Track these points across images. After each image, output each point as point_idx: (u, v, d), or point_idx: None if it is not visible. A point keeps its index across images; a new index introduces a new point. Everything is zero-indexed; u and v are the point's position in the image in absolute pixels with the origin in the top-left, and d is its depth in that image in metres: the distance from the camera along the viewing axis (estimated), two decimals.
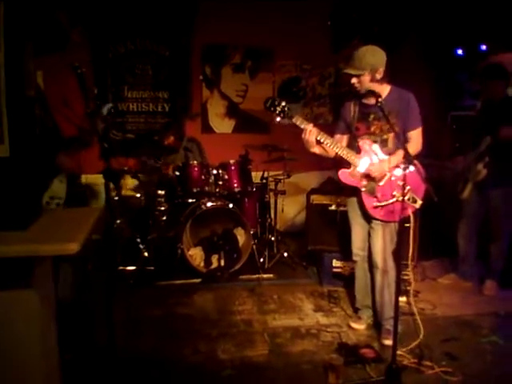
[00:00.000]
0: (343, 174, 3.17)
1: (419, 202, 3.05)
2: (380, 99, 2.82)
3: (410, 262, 3.01)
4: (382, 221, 3.14)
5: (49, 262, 2.05)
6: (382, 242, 3.16)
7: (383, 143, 3.13)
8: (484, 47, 5.50)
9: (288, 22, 5.74)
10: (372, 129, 3.14)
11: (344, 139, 3.27)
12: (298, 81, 6.08)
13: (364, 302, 3.49)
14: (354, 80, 3.04)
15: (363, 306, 3.50)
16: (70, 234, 1.77)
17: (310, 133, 3.04)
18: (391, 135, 3.09)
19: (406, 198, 2.96)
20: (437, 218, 4.75)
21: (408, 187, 2.93)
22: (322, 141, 3.08)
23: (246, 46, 5.87)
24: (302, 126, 3.06)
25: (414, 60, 5.88)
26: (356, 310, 3.60)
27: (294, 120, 3.07)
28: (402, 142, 2.92)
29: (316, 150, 3.16)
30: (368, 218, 3.23)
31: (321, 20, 5.89)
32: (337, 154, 3.13)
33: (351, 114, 3.20)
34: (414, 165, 2.84)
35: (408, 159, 2.66)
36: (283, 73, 6.04)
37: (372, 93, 2.93)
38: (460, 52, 5.79)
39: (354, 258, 3.42)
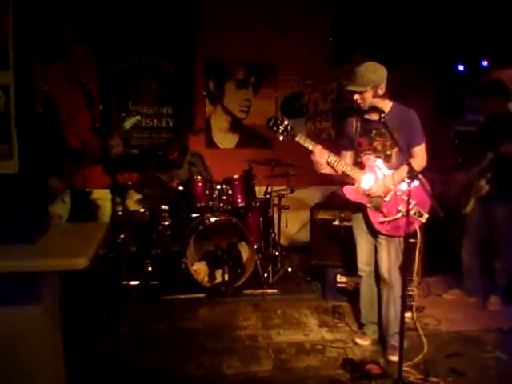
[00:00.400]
0: (348, 191, 3.17)
1: (425, 216, 3.05)
2: (383, 115, 2.85)
3: (415, 278, 3.00)
4: (388, 236, 3.14)
5: (56, 277, 2.06)
6: (388, 257, 3.16)
7: (386, 159, 3.14)
8: (485, 63, 5.54)
9: (290, 38, 5.78)
10: (374, 144, 3.15)
11: (348, 156, 3.27)
12: (301, 96, 6.12)
13: (369, 317, 3.47)
14: (356, 96, 3.06)
15: (368, 322, 3.48)
16: (78, 248, 1.78)
17: (320, 155, 3.06)
18: (394, 151, 3.10)
19: (412, 212, 3.01)
20: (440, 234, 4.76)
21: (414, 202, 2.98)
22: (331, 161, 3.08)
23: (249, 61, 5.92)
24: (310, 148, 3.07)
25: (417, 75, 5.93)
26: (361, 326, 3.57)
27: (297, 139, 3.09)
28: (406, 157, 2.93)
29: (327, 170, 3.16)
30: (374, 233, 3.23)
31: (322, 36, 5.95)
32: (343, 171, 3.14)
33: (353, 130, 3.22)
34: (419, 179, 2.86)
35: (412, 174, 2.68)
36: (286, 88, 6.08)
37: (375, 109, 2.96)
38: (461, 68, 5.84)
39: (360, 273, 3.41)
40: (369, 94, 3.02)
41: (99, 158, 2.78)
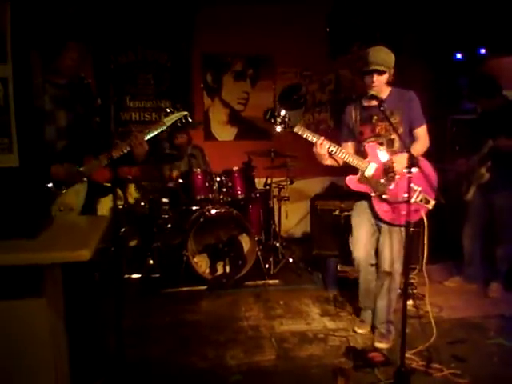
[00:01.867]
0: (351, 181, 3.12)
1: (432, 203, 3.00)
2: (383, 103, 2.83)
3: (424, 266, 2.97)
4: (392, 225, 3.10)
5: (58, 270, 2.05)
6: (390, 247, 3.13)
7: (390, 143, 3.10)
8: (483, 51, 5.52)
9: (287, 30, 5.76)
10: (377, 130, 3.11)
11: (349, 146, 3.24)
12: (299, 88, 6.10)
13: (366, 302, 3.44)
14: (375, 78, 2.96)
15: (366, 307, 3.45)
16: (81, 241, 1.77)
17: (322, 146, 3.00)
18: (397, 134, 3.09)
19: (419, 199, 2.99)
20: (441, 221, 4.75)
21: (419, 188, 2.97)
22: (332, 151, 3.03)
23: (246, 53, 5.90)
24: (310, 139, 3.01)
25: (414, 64, 5.90)
26: (358, 311, 3.55)
27: (295, 130, 3.03)
28: (408, 143, 2.91)
29: (329, 161, 3.12)
30: (377, 223, 3.20)
31: (320, 27, 5.93)
32: (345, 161, 3.10)
33: (353, 119, 3.18)
34: (422, 166, 2.84)
35: (412, 161, 2.65)
36: (284, 80, 6.06)
37: (375, 97, 2.94)
38: (459, 56, 5.82)
39: (357, 263, 3.33)
40: (386, 77, 2.99)
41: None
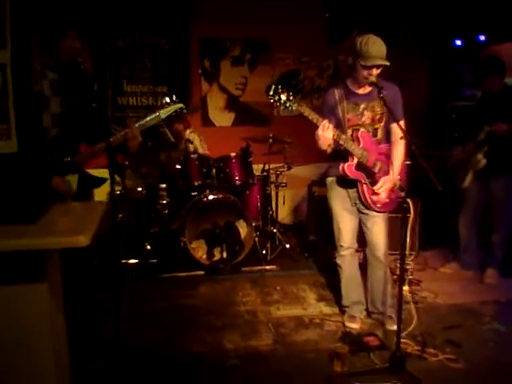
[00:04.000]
0: (349, 168, 3.08)
1: (405, 190, 2.98)
2: (382, 89, 2.84)
3: (408, 252, 3.08)
4: (380, 212, 3.18)
5: (57, 256, 2.08)
6: (382, 234, 3.19)
7: (374, 133, 3.13)
8: (482, 38, 5.51)
9: (286, 15, 5.72)
10: (363, 119, 3.10)
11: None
12: (297, 73, 6.08)
13: (354, 297, 3.40)
14: (375, 71, 2.93)
15: (353, 303, 3.40)
16: (80, 227, 1.79)
17: (328, 128, 2.87)
18: (381, 125, 3.12)
19: (397, 186, 3.09)
20: (438, 208, 4.80)
21: (398, 176, 3.09)
22: (334, 136, 2.92)
23: (244, 38, 5.86)
24: (315, 121, 2.88)
25: (413, 51, 5.90)
26: (343, 310, 3.48)
27: (301, 110, 2.85)
28: (405, 133, 2.91)
29: (329, 148, 3.02)
30: (358, 208, 3.24)
31: (318, 12, 5.89)
32: (338, 146, 3.05)
33: (338, 103, 3.09)
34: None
35: (413, 152, 2.67)
36: (282, 66, 6.04)
37: (375, 84, 2.92)
38: (458, 43, 5.81)
39: (342, 252, 3.31)
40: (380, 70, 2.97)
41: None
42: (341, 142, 2.99)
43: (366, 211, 3.21)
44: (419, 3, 5.64)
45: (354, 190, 3.19)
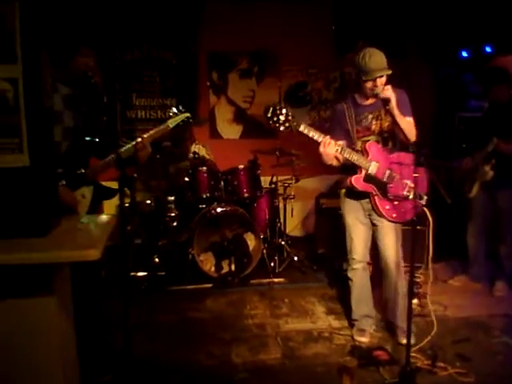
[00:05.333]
0: (357, 181, 3.07)
1: (425, 198, 3.03)
2: (388, 102, 2.85)
3: (430, 265, 3.01)
4: (394, 222, 3.14)
5: (67, 269, 2.09)
6: (395, 244, 3.16)
7: (384, 141, 3.12)
8: (489, 49, 5.51)
9: (292, 27, 5.77)
10: (372, 128, 3.12)
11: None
12: (305, 85, 6.11)
13: (364, 311, 3.38)
14: (383, 80, 2.95)
15: (363, 317, 3.38)
16: (90, 240, 1.81)
17: (330, 144, 2.92)
18: (391, 133, 3.11)
19: (413, 195, 3.01)
20: (445, 219, 4.76)
21: (412, 185, 3.00)
22: (338, 151, 2.95)
23: (252, 51, 5.91)
24: (316, 138, 2.92)
25: (419, 62, 5.91)
26: (352, 323, 3.46)
27: (301, 129, 2.90)
28: (412, 143, 2.91)
29: (334, 162, 3.06)
30: (371, 220, 3.21)
31: (325, 24, 5.93)
32: (346, 160, 3.06)
33: (347, 118, 3.13)
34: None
35: (419, 160, 2.65)
36: (289, 78, 6.07)
37: (383, 100, 2.91)
38: (465, 54, 5.81)
39: (355, 265, 3.28)
40: (385, 77, 2.98)
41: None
42: (345, 156, 3.00)
43: (380, 222, 3.17)
44: (425, 15, 5.67)
45: (367, 200, 3.17)
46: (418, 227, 3.01)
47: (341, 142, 3.08)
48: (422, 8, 5.65)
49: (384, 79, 2.98)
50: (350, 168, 3.12)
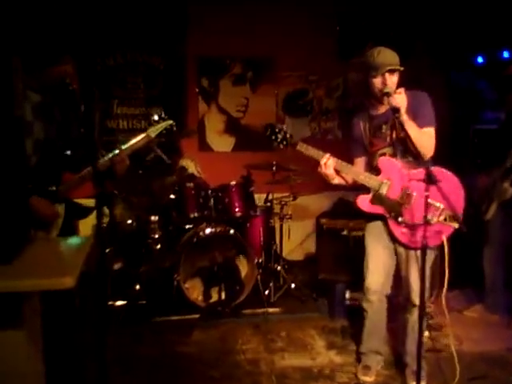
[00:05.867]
0: (363, 202, 3.08)
1: (459, 220, 2.90)
2: (398, 111, 2.83)
3: (444, 292, 2.95)
4: (415, 249, 3.00)
5: (37, 299, 2.09)
6: (416, 273, 3.00)
7: (404, 153, 3.03)
8: (507, 54, 5.59)
9: (291, 28, 5.86)
10: (389, 139, 3.08)
11: (362, 161, 3.23)
12: (305, 93, 6.17)
13: (373, 346, 3.36)
14: (395, 79, 2.96)
15: (371, 352, 3.36)
16: (64, 266, 1.81)
17: (327, 166, 3.03)
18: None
19: (442, 217, 2.90)
20: (459, 244, 4.78)
21: (441, 205, 2.89)
22: (339, 170, 3.06)
23: (246, 55, 5.99)
24: (315, 157, 3.05)
25: (430, 68, 5.98)
26: (359, 357, 3.46)
27: (298, 148, 3.09)
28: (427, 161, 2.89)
29: (337, 180, 3.14)
30: (395, 247, 3.14)
31: (328, 25, 6.01)
32: (354, 180, 3.11)
33: (362, 131, 3.18)
34: (447, 177, 2.89)
35: (430, 178, 2.63)
36: (287, 84, 6.14)
37: (388, 94, 2.88)
38: (480, 60, 5.89)
39: (369, 296, 3.25)
40: (397, 77, 2.98)
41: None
42: (351, 175, 3.09)
43: (401, 249, 3.10)
44: (438, 16, 5.75)
45: None
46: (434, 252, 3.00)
47: (359, 160, 3.22)
48: (436, 9, 5.74)
49: (395, 79, 2.96)
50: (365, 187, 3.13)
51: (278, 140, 3.12)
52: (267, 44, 5.85)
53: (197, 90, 5.96)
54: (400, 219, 3.01)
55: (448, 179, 2.96)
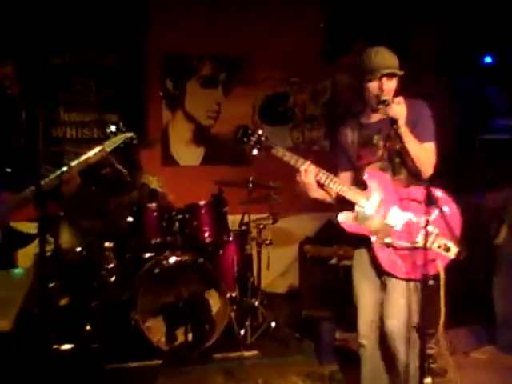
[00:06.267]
0: (345, 220, 3.08)
1: (454, 251, 2.94)
2: (396, 122, 2.88)
3: (441, 330, 2.97)
4: (403, 279, 3.01)
5: None
6: (406, 307, 3.00)
7: (396, 170, 3.06)
8: None
9: (270, 24, 5.94)
10: (379, 153, 3.10)
11: (349, 176, 3.24)
12: (285, 98, 6.22)
13: None
14: (394, 84, 3.01)
15: None
16: None
17: (307, 172, 3.01)
18: (404, 158, 3.05)
19: (435, 245, 2.93)
20: (465, 272, 4.84)
21: (435, 230, 2.92)
22: (321, 180, 3.03)
23: (217, 53, 6.02)
24: (292, 163, 3.03)
25: (431, 70, 6.09)
26: None
27: (273, 151, 3.05)
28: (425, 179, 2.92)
29: (318, 194, 3.11)
30: (383, 277, 3.13)
31: (311, 20, 6.09)
32: (338, 194, 3.10)
33: (350, 142, 3.20)
34: (443, 201, 2.91)
35: (430, 198, 2.67)
36: (265, 88, 6.19)
37: (385, 102, 2.91)
38: (488, 60, 6.01)
39: (362, 340, 3.23)
40: (395, 83, 3.02)
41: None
42: (331, 187, 3.05)
43: (387, 281, 3.08)
44: (438, 12, 5.87)
45: None
46: (430, 282, 3.02)
47: (345, 174, 3.20)
48: (436, 3, 5.85)
49: (393, 85, 3.01)
50: (348, 201, 3.11)
51: (251, 143, 3.10)
52: (242, 41, 5.91)
53: (160, 94, 5.96)
54: (387, 240, 3.02)
55: (445, 202, 3.00)
